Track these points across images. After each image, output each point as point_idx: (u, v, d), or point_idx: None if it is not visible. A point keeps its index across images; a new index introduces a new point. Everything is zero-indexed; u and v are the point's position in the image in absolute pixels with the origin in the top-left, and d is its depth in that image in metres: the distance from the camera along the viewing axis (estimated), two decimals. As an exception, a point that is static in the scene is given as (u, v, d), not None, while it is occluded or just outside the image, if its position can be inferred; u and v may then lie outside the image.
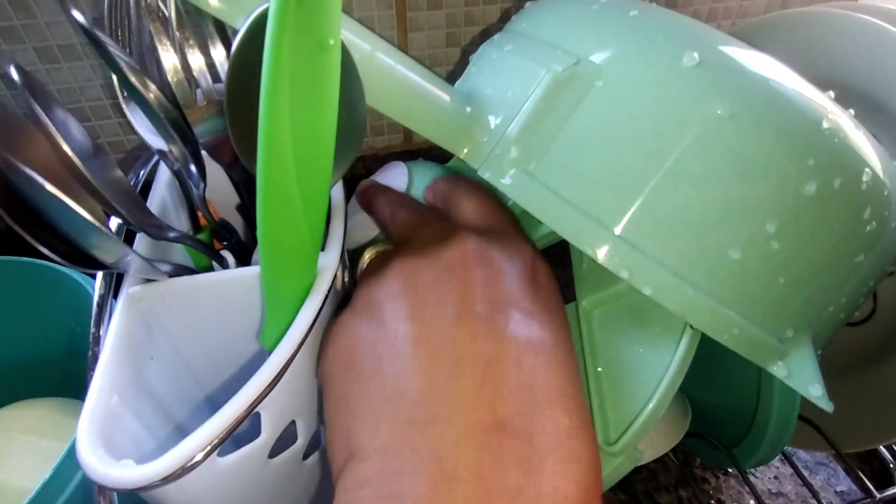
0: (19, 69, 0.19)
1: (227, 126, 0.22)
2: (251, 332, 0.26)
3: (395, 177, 0.32)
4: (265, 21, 0.19)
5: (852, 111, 0.24)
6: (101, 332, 0.24)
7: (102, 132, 0.43)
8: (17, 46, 0.38)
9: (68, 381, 0.42)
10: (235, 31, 0.20)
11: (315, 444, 0.26)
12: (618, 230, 0.22)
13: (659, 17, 0.24)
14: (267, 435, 0.21)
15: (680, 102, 0.22)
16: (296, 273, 0.21)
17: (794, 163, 0.21)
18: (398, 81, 0.24)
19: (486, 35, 0.46)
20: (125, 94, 0.25)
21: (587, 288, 0.30)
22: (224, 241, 0.29)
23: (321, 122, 0.19)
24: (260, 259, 0.20)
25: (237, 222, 0.31)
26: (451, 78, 0.47)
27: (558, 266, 0.36)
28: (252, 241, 0.30)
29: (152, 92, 0.21)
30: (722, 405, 0.35)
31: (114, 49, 0.19)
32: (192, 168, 0.24)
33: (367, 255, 0.26)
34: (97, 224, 0.19)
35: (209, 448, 0.18)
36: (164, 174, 0.29)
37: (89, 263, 0.21)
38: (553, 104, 0.24)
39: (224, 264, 0.28)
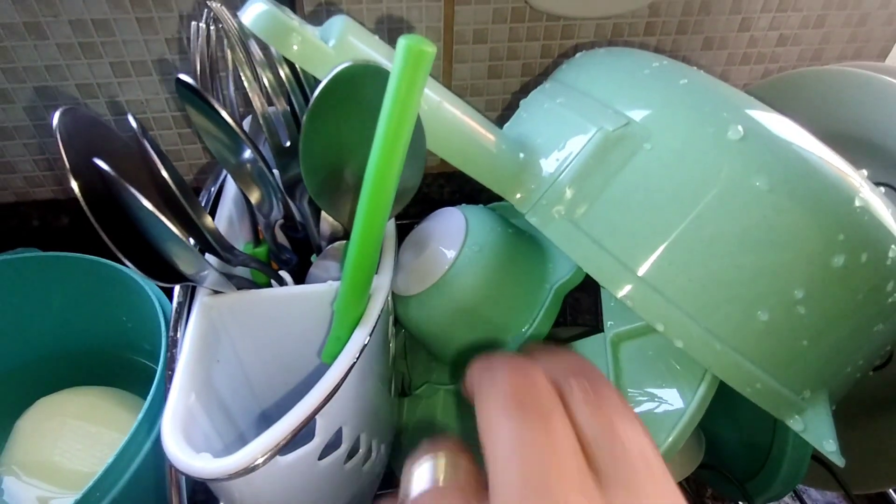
0: (135, 118, 0.21)
1: (301, 163, 0.24)
2: (304, 346, 0.28)
3: (451, 224, 0.34)
4: (347, 75, 0.21)
5: (866, 170, 0.25)
6: (178, 335, 0.26)
7: (163, 141, 0.46)
8: (95, 60, 0.41)
9: (118, 372, 0.44)
10: (316, 82, 0.23)
11: (354, 449, 0.29)
12: (652, 281, 0.24)
13: (708, 88, 0.26)
14: (320, 439, 0.24)
15: (722, 172, 0.24)
16: (362, 295, 0.24)
17: (825, 237, 0.23)
18: (460, 130, 0.26)
19: (526, 69, 0.48)
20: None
21: (615, 321, 0.32)
22: (283, 263, 0.31)
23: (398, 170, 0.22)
24: (342, 284, 0.23)
25: (281, 240, 0.33)
26: (491, 107, 0.49)
27: (587, 293, 0.38)
28: (300, 262, 0.32)
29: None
30: (737, 440, 0.37)
31: (215, 102, 0.22)
32: (274, 201, 0.26)
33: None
34: (184, 239, 0.21)
35: (276, 448, 0.20)
36: (231, 188, 0.32)
37: (169, 277, 0.24)
38: (602, 160, 0.26)
39: (282, 283, 0.30)
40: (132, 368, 0.45)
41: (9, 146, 0.45)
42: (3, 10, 0.38)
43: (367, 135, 0.22)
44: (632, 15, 0.46)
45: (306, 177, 0.24)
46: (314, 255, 0.30)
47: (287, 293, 0.26)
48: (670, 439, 0.26)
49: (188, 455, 0.19)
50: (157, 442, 0.31)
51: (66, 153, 0.19)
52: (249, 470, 0.19)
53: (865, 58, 0.54)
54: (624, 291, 0.25)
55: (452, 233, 0.34)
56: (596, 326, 0.48)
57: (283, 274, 0.30)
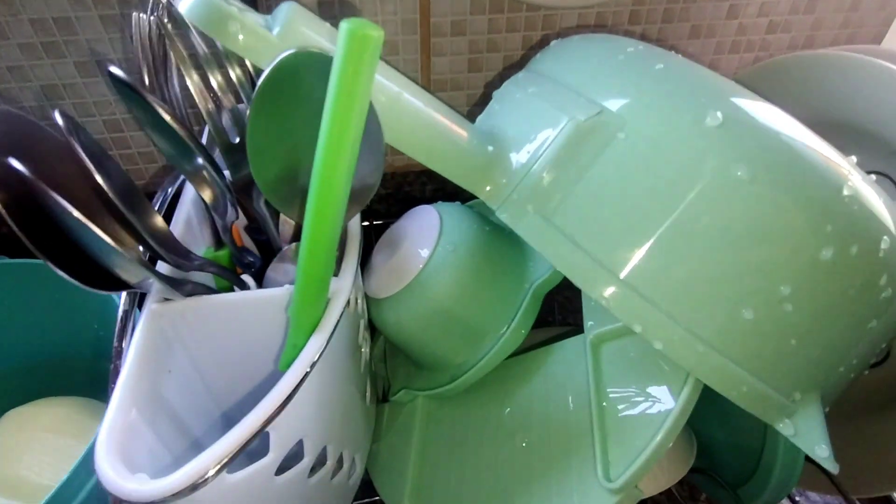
0: (64, 115, 0.20)
1: (249, 159, 0.22)
2: (266, 352, 0.27)
3: (425, 222, 0.33)
4: (289, 65, 0.20)
5: (855, 157, 0.24)
6: (123, 346, 0.25)
7: (134, 143, 0.45)
8: (59, 60, 0.39)
9: (91, 382, 0.43)
10: (259, 72, 0.21)
11: (321, 461, 0.27)
12: (630, 280, 0.23)
13: (684, 73, 0.24)
14: (274, 454, 0.22)
15: (700, 161, 0.22)
16: (317, 299, 0.22)
17: (812, 229, 0.21)
18: (422, 122, 0.25)
19: (507, 61, 0.46)
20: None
21: (596, 322, 0.30)
22: (245, 266, 0.29)
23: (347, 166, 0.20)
24: (295, 288, 0.21)
25: (247, 242, 0.32)
26: (473, 102, 0.48)
27: (570, 291, 0.36)
28: (264, 265, 0.31)
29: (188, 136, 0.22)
30: (728, 442, 0.35)
31: (157, 103, 0.20)
32: (226, 201, 0.24)
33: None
34: (119, 249, 0.20)
35: (220, 465, 0.19)
36: (190, 191, 0.30)
37: (112, 285, 0.23)
38: (574, 152, 0.25)
39: (244, 288, 0.29)
40: (105, 377, 0.44)
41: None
42: (-40, 9, 0.36)
43: (317, 127, 0.21)
44: (615, 3, 0.45)
45: (256, 175, 0.22)
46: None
47: (240, 298, 0.24)
48: (657, 439, 0.24)
49: (121, 476, 0.18)
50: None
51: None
52: (192, 489, 0.18)
53: (859, 43, 0.52)
54: (599, 291, 0.23)
55: (426, 232, 0.33)
56: (556, 323, 0.46)
57: (246, 278, 0.29)
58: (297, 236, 0.27)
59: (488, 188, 0.27)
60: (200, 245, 0.31)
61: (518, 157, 0.26)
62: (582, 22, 0.45)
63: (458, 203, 0.37)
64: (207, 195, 0.25)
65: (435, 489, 0.32)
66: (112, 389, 0.21)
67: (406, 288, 0.32)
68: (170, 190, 0.30)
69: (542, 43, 0.45)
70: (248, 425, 0.19)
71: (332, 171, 0.19)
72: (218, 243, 0.31)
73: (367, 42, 0.18)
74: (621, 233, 0.23)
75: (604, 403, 0.28)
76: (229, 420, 0.30)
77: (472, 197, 0.39)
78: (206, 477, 0.18)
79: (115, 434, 0.19)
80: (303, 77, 0.20)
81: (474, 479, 0.30)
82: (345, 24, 0.17)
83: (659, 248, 0.23)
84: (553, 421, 0.29)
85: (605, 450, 0.26)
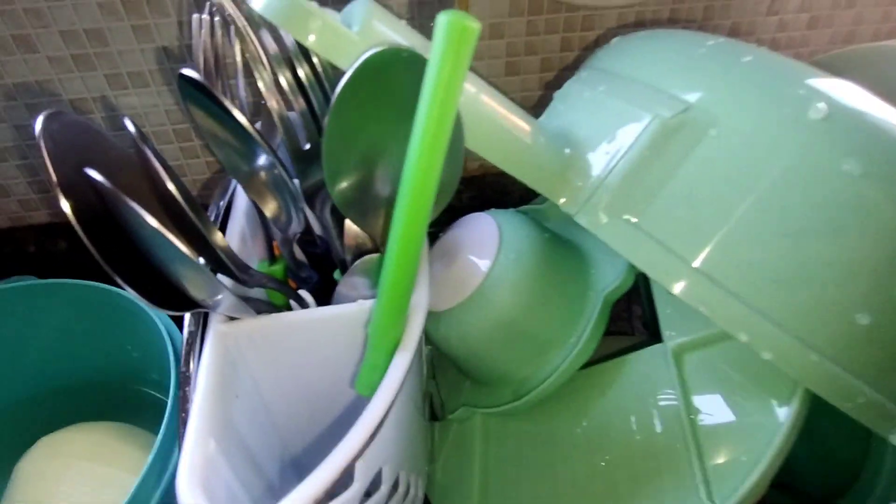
0: (133, 123, 0.18)
1: (324, 167, 0.21)
2: (334, 374, 0.25)
3: (482, 230, 0.31)
4: (375, 64, 0.18)
5: None
6: (191, 370, 0.23)
7: (165, 156, 0.43)
8: (89, 73, 0.38)
9: (124, 406, 0.41)
10: (337, 76, 0.20)
11: (393, 489, 0.25)
12: (733, 287, 0.21)
13: (776, 64, 0.23)
14: (359, 484, 0.21)
15: (805, 157, 0.21)
16: (400, 315, 0.21)
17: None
18: (500, 124, 0.24)
19: (545, 64, 0.45)
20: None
21: (675, 331, 0.29)
22: (302, 281, 0.28)
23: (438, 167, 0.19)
24: (377, 304, 0.20)
25: (299, 255, 0.30)
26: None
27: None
28: (321, 279, 0.29)
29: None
30: (813, 455, 0.33)
31: (227, 102, 0.19)
32: (293, 213, 0.23)
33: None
34: (195, 258, 0.19)
35: (323, 497, 0.17)
36: (241, 201, 0.29)
37: (178, 304, 0.21)
38: (660, 151, 0.23)
39: (303, 304, 0.27)
40: (140, 401, 0.42)
41: (1, 168, 0.42)
42: (-11, 22, 0.35)
43: (399, 132, 0.19)
44: (655, 2, 0.44)
45: (330, 183, 0.21)
46: (337, 272, 0.27)
47: (313, 316, 0.23)
48: (768, 456, 0.23)
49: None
50: (170, 489, 0.28)
51: (52, 164, 0.17)
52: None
53: (899, 38, 0.51)
54: (698, 299, 0.22)
55: (484, 240, 0.32)
56: (632, 334, 0.44)
57: (304, 294, 0.27)
58: (361, 249, 0.25)
59: (565, 192, 0.25)
60: (252, 260, 0.29)
61: (596, 159, 0.25)
62: (621, 21, 0.44)
63: (511, 210, 0.35)
64: (270, 206, 0.24)
65: (504, 514, 0.30)
66: (185, 419, 0.20)
67: (467, 300, 0.30)
68: (221, 203, 0.28)
69: (582, 44, 0.44)
70: (343, 456, 0.18)
71: (427, 174, 0.18)
72: (271, 258, 0.29)
73: (466, 34, 0.16)
74: (720, 235, 0.22)
75: (695, 418, 0.26)
76: (291, 451, 0.28)
77: (517, 203, 0.37)
78: None
79: (196, 468, 0.18)
80: (388, 76, 0.19)
81: (550, 502, 0.29)
82: (443, 16, 0.16)
83: (764, 251, 0.21)
84: (637, 437, 0.27)
85: (703, 468, 0.24)
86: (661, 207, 0.23)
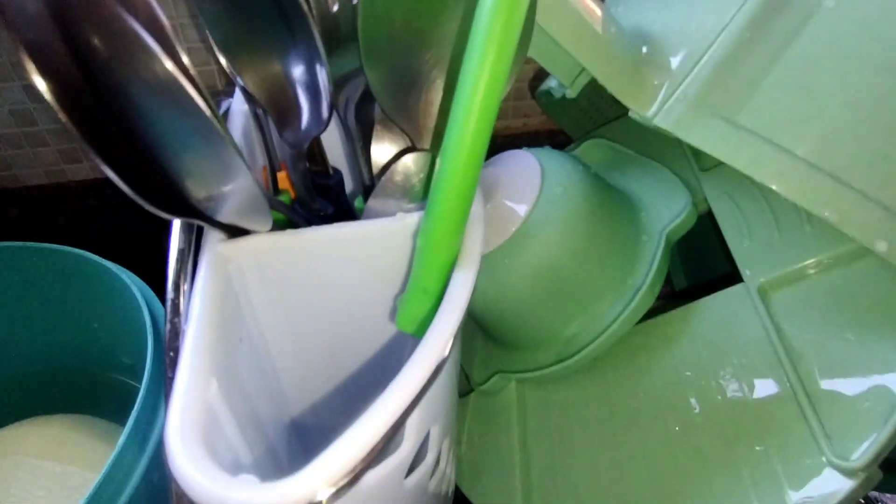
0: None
1: (360, 36, 0.16)
2: (356, 311, 0.20)
3: (521, 166, 0.27)
4: None
5: None
6: (180, 297, 0.17)
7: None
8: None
9: (86, 396, 0.35)
10: None
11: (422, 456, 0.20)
12: (869, 190, 0.17)
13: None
14: (409, 444, 0.15)
15: None
16: (461, 223, 0.16)
17: None
18: (577, 7, 0.19)
19: None
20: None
21: (755, 269, 0.24)
22: (315, 215, 0.23)
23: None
24: (430, 210, 0.15)
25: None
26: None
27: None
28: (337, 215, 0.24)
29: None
30: None
31: None
32: (319, 108, 0.18)
33: None
34: (214, 120, 0.13)
35: (365, 461, 0.12)
36: (237, 123, 0.23)
37: (171, 205, 0.15)
38: (762, 32, 0.19)
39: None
40: (106, 389, 0.36)
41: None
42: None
43: None
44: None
45: (367, 58, 0.16)
46: (359, 199, 0.22)
47: (345, 232, 0.18)
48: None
49: (219, 480, 0.11)
50: (148, 475, 0.22)
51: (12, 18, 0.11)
52: (336, 495, 0.11)
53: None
54: (825, 203, 0.17)
55: (526, 176, 0.27)
56: (674, 291, 0.40)
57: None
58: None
59: (638, 94, 0.21)
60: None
61: (679, 51, 0.20)
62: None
63: (547, 147, 0.31)
64: (284, 105, 0.19)
65: (558, 494, 0.25)
66: (173, 359, 0.14)
67: (507, 242, 0.26)
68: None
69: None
70: (395, 404, 0.13)
71: (507, 31, 0.13)
72: (275, 192, 0.24)
73: None
74: (846, 128, 0.18)
75: (799, 364, 0.21)
76: (294, 406, 0.23)
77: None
78: (347, 478, 0.12)
79: (192, 417, 0.12)
80: None
81: (614, 478, 0.24)
82: None
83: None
84: (720, 394, 0.22)
85: (820, 422, 0.20)
86: (767, 99, 0.19)
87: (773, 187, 0.18)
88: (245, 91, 0.20)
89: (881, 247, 0.17)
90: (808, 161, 0.18)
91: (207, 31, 0.18)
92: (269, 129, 0.23)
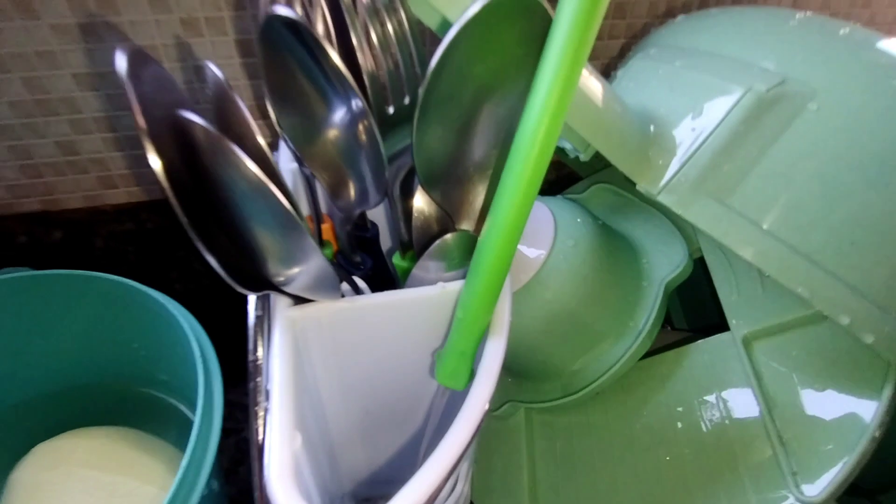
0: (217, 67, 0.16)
1: (412, 142, 0.19)
2: (399, 365, 0.23)
3: (535, 217, 0.30)
4: (491, 13, 0.16)
5: None
6: (259, 359, 0.20)
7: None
8: (96, 46, 0.35)
9: (127, 409, 0.38)
10: (423, 32, 0.18)
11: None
12: (834, 269, 0.20)
13: (874, 38, 0.22)
14: (462, 485, 0.19)
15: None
16: (495, 298, 0.19)
17: None
18: (592, 95, 0.22)
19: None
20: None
21: (742, 319, 0.28)
22: (355, 267, 0.26)
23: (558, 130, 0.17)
24: (469, 285, 0.18)
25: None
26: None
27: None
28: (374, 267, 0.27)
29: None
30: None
31: (325, 42, 0.17)
32: (368, 186, 0.21)
33: None
34: (295, 214, 0.16)
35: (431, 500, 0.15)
36: (284, 171, 0.26)
37: (250, 283, 0.18)
38: (754, 126, 0.22)
39: (358, 291, 0.25)
40: (146, 405, 0.39)
41: (-11, 149, 0.38)
42: (-13, -17, 0.32)
43: (505, 95, 0.18)
44: None
45: (419, 152, 0.19)
46: (396, 255, 0.25)
47: (393, 299, 0.21)
48: (861, 444, 0.22)
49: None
50: (206, 498, 0.25)
51: (140, 108, 0.14)
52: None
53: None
54: (797, 281, 0.21)
55: (540, 227, 0.30)
56: (669, 328, 0.43)
57: (357, 280, 0.25)
58: (426, 232, 0.23)
59: (645, 170, 0.24)
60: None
61: (681, 135, 0.23)
62: (651, 12, 0.43)
63: (558, 196, 0.34)
64: (336, 178, 0.21)
65: (563, 512, 0.29)
66: (257, 412, 0.17)
67: (524, 288, 0.29)
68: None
69: (612, 33, 0.43)
70: (453, 451, 0.16)
71: (549, 137, 0.16)
72: (319, 242, 0.27)
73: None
74: (820, 215, 0.21)
75: (773, 407, 0.25)
76: (338, 449, 0.26)
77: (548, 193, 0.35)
78: None
79: (286, 466, 0.15)
80: (502, 29, 0.17)
81: (612, 500, 0.27)
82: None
83: (869, 232, 0.20)
84: (705, 430, 0.26)
85: (789, 460, 0.23)
86: (754, 185, 0.22)
87: (756, 264, 0.21)
88: (298, 157, 0.22)
89: (844, 320, 0.20)
90: (787, 243, 0.21)
91: (273, 117, 0.21)
92: (316, 187, 0.26)
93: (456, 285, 0.21)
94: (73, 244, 0.43)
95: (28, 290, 0.35)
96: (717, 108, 0.23)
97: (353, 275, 0.25)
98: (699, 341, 0.29)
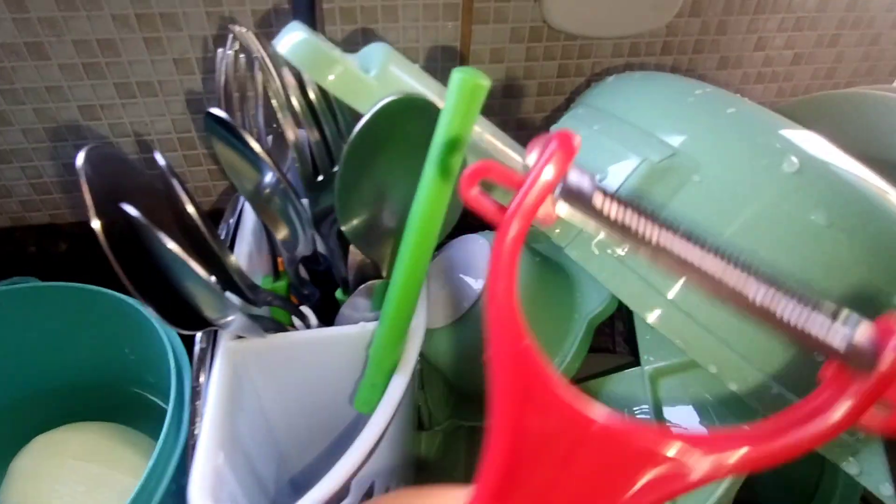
0: (163, 157, 0.20)
1: (336, 200, 0.22)
2: (334, 391, 0.27)
3: (475, 251, 0.33)
4: (391, 110, 0.20)
5: None
6: (201, 385, 0.24)
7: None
8: (99, 81, 0.39)
9: (119, 407, 0.42)
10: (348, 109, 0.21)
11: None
12: (708, 324, 0.23)
13: (756, 117, 0.25)
14: (353, 498, 0.22)
15: (778, 206, 0.23)
16: (401, 339, 0.22)
17: (886, 274, 0.22)
18: (501, 160, 0.25)
19: (542, 88, 0.47)
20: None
21: (654, 356, 0.31)
22: (304, 297, 0.29)
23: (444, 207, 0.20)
24: (380, 328, 0.21)
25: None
26: (504, 126, 0.48)
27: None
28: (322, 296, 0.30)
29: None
30: (776, 473, 0.36)
31: (251, 140, 0.20)
32: (300, 236, 0.24)
33: None
34: (214, 285, 0.20)
35: None
36: (249, 220, 0.30)
37: (191, 323, 0.22)
38: (647, 192, 0.25)
39: (305, 320, 0.28)
40: (136, 403, 0.43)
41: (4, 169, 0.42)
42: (4, 29, 0.36)
43: (409, 170, 0.21)
44: (649, 34, 0.46)
45: (342, 214, 0.22)
46: (339, 290, 0.29)
47: (317, 336, 0.24)
48: (727, 481, 0.25)
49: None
50: (168, 494, 0.29)
51: (90, 193, 0.18)
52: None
53: (877, 75, 0.53)
54: (673, 331, 0.23)
55: (478, 261, 0.33)
56: (615, 350, 0.46)
57: (305, 310, 0.29)
58: (363, 271, 0.27)
59: (557, 225, 0.27)
60: (257, 275, 0.30)
61: (587, 195, 0.26)
62: (616, 52, 0.46)
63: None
64: (280, 229, 0.25)
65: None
66: (178, 425, 0.21)
67: (462, 318, 0.32)
68: (231, 221, 0.30)
69: (577, 71, 0.46)
70: (343, 471, 0.19)
71: (433, 214, 0.19)
72: (275, 273, 0.31)
73: (477, 91, 0.18)
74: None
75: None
76: (287, 461, 0.29)
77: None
78: None
79: (207, 480, 0.19)
80: (403, 121, 0.20)
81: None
82: (457, 74, 0.18)
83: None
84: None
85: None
86: (646, 244, 0.25)
87: (638, 313, 0.24)
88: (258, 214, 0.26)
89: (713, 369, 0.23)
90: (666, 297, 0.24)
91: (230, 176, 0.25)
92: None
93: (373, 325, 0.24)
94: (76, 255, 0.47)
95: (36, 300, 0.39)
96: (619, 174, 0.26)
97: (303, 304, 0.29)
98: (616, 374, 0.31)
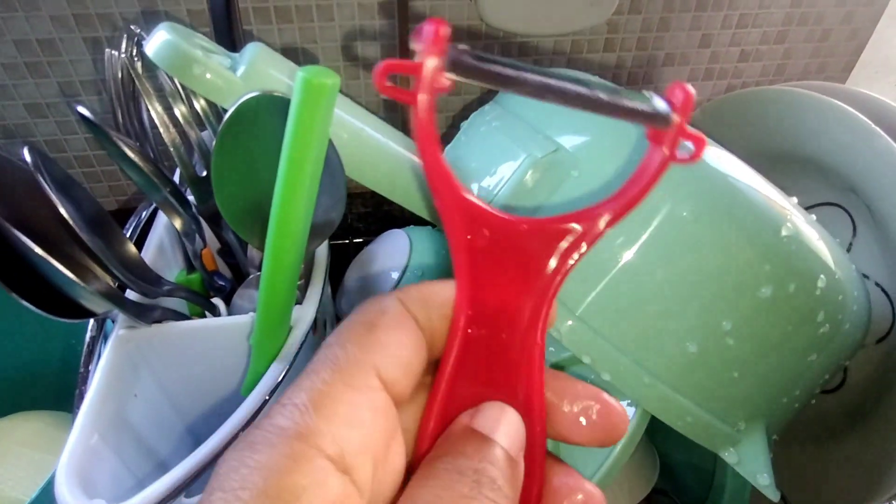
0: (32, 151, 0.21)
1: (214, 195, 0.23)
2: (231, 376, 0.28)
3: (395, 246, 0.34)
4: (250, 107, 0.21)
5: (796, 198, 0.25)
6: (90, 371, 0.25)
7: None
8: (42, 80, 0.40)
9: (62, 395, 0.43)
10: (224, 111, 0.22)
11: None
12: (583, 316, 0.24)
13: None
14: None
15: (649, 201, 0.23)
16: (278, 328, 0.23)
17: (751, 268, 0.22)
18: (384, 156, 0.26)
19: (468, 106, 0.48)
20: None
21: (555, 348, 0.31)
22: (216, 290, 0.30)
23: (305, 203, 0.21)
24: (256, 317, 0.22)
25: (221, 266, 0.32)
26: (449, 124, 0.49)
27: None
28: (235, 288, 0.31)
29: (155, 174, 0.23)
30: (687, 463, 0.36)
31: (122, 140, 0.21)
32: (194, 230, 0.25)
33: None
34: (80, 283, 0.21)
35: (178, 489, 0.20)
36: (163, 216, 0.31)
37: (80, 313, 0.23)
38: (531, 188, 0.25)
39: (216, 312, 0.29)
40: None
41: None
42: (-56, 30, 0.37)
43: (275, 164, 0.22)
44: (590, 32, 0.46)
45: (221, 207, 0.23)
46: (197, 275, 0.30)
47: (203, 326, 0.25)
48: (606, 465, 0.25)
49: (78, 501, 0.19)
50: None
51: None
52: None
53: (830, 72, 0.53)
54: (555, 325, 0.24)
55: (396, 255, 0.34)
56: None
57: (217, 301, 0.30)
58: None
59: (451, 219, 0.27)
60: (174, 269, 0.31)
61: (479, 191, 0.27)
62: (558, 49, 0.46)
63: (429, 227, 0.38)
64: (178, 223, 0.26)
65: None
66: (76, 414, 0.22)
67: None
68: (144, 214, 0.31)
69: (519, 68, 0.47)
70: (208, 450, 0.20)
71: (289, 209, 0.20)
72: (190, 267, 0.31)
73: (322, 90, 0.19)
74: (576, 271, 0.24)
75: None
76: (197, 441, 0.30)
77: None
78: (165, 500, 0.19)
79: (75, 459, 0.20)
80: (263, 117, 0.21)
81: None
82: (301, 73, 0.18)
83: (611, 285, 0.23)
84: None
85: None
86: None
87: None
88: (164, 211, 0.27)
89: (586, 359, 0.24)
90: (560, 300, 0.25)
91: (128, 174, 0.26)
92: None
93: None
94: None
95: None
96: (506, 170, 0.26)
97: (216, 297, 0.30)
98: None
